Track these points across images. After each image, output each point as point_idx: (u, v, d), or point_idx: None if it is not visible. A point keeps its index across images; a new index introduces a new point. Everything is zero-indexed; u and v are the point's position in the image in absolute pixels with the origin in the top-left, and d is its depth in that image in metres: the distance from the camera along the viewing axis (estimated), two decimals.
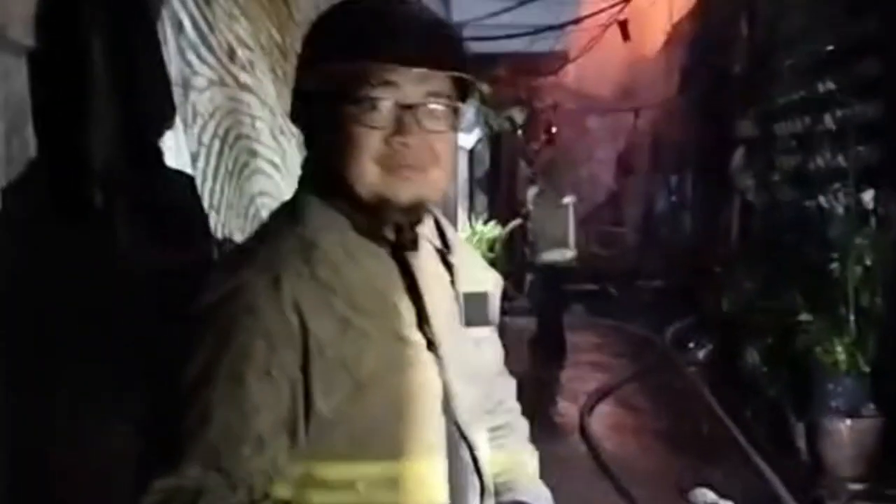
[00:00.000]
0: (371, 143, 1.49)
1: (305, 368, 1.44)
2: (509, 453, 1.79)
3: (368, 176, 1.50)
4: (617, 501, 5.59)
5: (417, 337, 1.53)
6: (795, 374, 6.13)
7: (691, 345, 9.58)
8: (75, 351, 2.05)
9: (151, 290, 2.18)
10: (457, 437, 1.57)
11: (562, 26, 10.06)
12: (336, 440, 1.46)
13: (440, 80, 1.53)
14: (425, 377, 1.53)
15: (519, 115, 13.80)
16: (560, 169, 10.32)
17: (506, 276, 10.74)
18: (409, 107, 1.50)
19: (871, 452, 5.58)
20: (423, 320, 1.53)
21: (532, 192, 10.23)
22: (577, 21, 9.87)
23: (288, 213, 1.58)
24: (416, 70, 1.50)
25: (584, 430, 7.10)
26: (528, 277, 9.84)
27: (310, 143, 1.61)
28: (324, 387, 1.45)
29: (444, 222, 1.69)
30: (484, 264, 1.80)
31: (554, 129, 13.28)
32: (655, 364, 9.41)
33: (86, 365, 2.08)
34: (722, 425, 7.09)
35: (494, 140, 15.10)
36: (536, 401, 7.81)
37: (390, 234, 1.55)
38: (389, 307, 1.52)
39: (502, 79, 13.47)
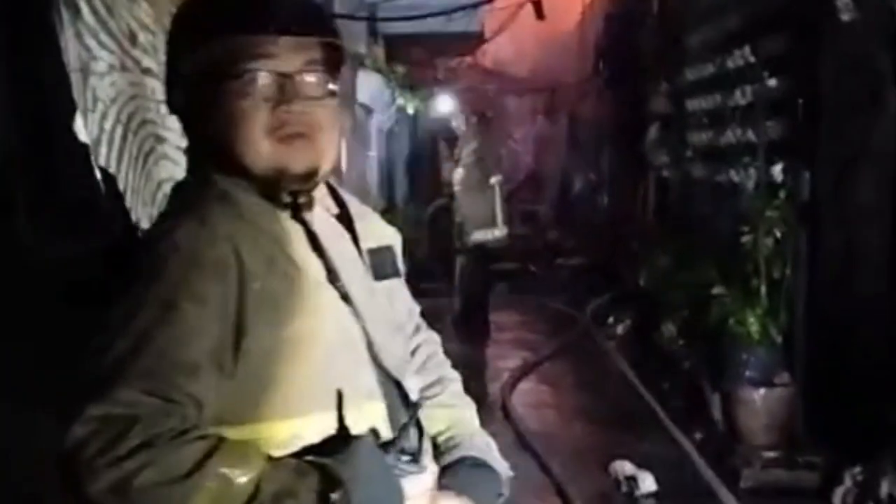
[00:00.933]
0: (256, 114, 1.54)
1: (239, 299, 1.47)
2: (448, 409, 1.83)
3: (259, 147, 1.54)
4: (538, 476, 5.64)
5: (331, 290, 1.58)
6: (710, 345, 6.23)
7: (610, 320, 9.69)
8: None
9: (57, 282, 2.14)
10: (389, 383, 1.63)
11: (476, 6, 10.05)
12: (279, 398, 1.48)
13: (314, 49, 1.59)
14: (348, 324, 1.58)
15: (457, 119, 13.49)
16: (488, 150, 10.33)
17: (430, 257, 10.61)
18: (288, 76, 1.56)
19: (783, 421, 5.71)
20: (331, 275, 1.58)
21: (458, 173, 10.23)
22: (491, 0, 9.85)
23: (193, 186, 1.61)
24: (292, 39, 1.55)
25: (506, 407, 7.15)
26: (458, 259, 9.81)
27: (190, 128, 1.64)
28: (255, 320, 1.47)
29: (337, 186, 1.75)
30: (382, 221, 1.84)
31: (489, 114, 13.23)
32: (576, 340, 9.51)
33: None
34: (640, 398, 7.21)
35: (413, 122, 15.04)
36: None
37: (287, 199, 1.59)
38: (303, 260, 1.57)
39: (419, 60, 13.42)
